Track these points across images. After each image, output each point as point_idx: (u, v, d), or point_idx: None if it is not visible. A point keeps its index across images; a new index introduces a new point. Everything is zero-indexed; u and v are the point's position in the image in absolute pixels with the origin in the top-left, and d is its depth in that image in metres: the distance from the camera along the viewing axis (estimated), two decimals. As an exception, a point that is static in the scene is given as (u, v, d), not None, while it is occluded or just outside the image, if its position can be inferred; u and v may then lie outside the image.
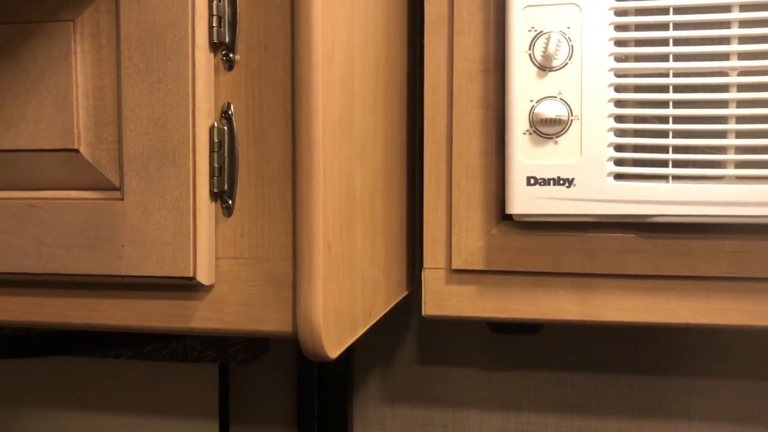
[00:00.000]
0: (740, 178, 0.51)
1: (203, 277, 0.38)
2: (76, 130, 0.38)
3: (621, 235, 0.55)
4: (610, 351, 0.80)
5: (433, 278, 0.59)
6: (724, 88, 0.50)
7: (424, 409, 0.85)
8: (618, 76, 0.52)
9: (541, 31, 0.52)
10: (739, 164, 0.51)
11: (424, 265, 0.59)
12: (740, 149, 0.51)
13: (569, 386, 0.81)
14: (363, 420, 0.87)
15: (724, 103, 0.51)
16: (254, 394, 0.89)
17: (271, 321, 0.39)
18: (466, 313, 0.58)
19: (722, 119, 0.51)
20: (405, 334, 0.85)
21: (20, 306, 0.42)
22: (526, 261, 0.56)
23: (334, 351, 0.39)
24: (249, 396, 0.89)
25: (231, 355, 0.83)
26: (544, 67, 0.53)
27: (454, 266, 0.58)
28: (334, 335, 0.39)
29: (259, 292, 0.39)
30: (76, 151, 0.39)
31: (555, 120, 0.52)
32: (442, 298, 0.58)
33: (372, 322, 0.49)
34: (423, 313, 0.59)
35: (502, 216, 0.57)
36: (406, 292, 0.63)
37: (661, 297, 0.55)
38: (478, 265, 0.57)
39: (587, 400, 0.81)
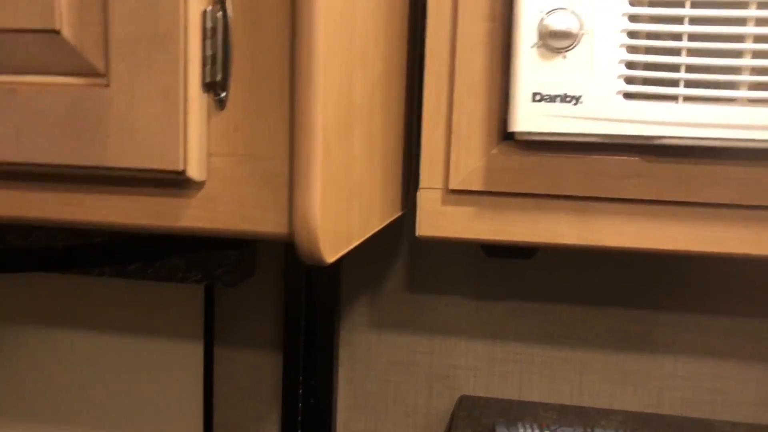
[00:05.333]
0: (753, 101, 0.49)
1: (194, 171, 0.36)
2: (57, 10, 0.36)
3: (625, 158, 0.53)
4: (600, 283, 0.79)
5: (428, 198, 0.57)
6: (743, 4, 0.48)
7: (410, 335, 0.84)
8: (634, -12, 0.49)
9: (556, -63, 0.49)
10: (753, 86, 0.49)
11: (420, 185, 0.57)
12: (756, 70, 0.49)
13: (557, 317, 0.81)
14: (349, 345, 0.86)
15: (742, 21, 0.48)
16: (240, 317, 0.88)
17: (265, 222, 0.37)
18: (461, 235, 0.57)
19: (739, 38, 0.48)
20: (394, 262, 0.84)
21: (-2, 200, 0.39)
22: (525, 182, 0.55)
23: (330, 255, 0.38)
24: (234, 319, 0.88)
25: (217, 276, 0.82)
26: (557, -24, 0.50)
27: (452, 186, 0.56)
28: (330, 239, 0.38)
29: (254, 191, 0.37)
30: (57, 32, 0.36)
31: (565, 33, 0.50)
32: (437, 219, 0.57)
33: (367, 235, 0.48)
34: (417, 234, 0.58)
35: (503, 135, 0.55)
36: (399, 213, 0.62)
37: (661, 223, 0.54)
38: (477, 186, 0.55)
39: (574, 332, 0.80)
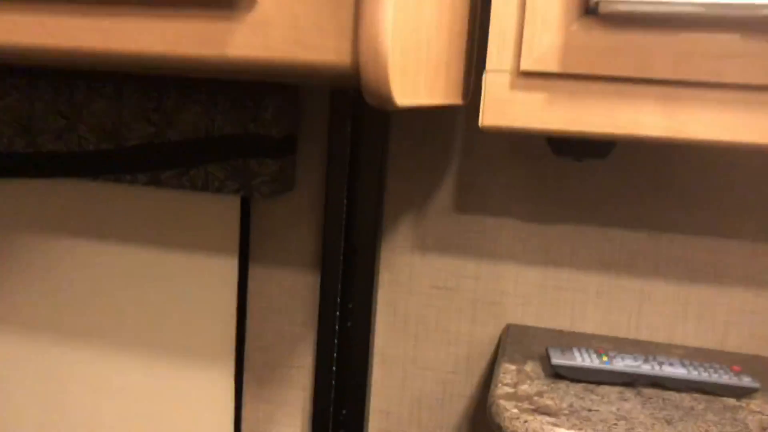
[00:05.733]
0: None
1: (245, -15, 0.31)
2: None
3: (724, 35, 0.47)
4: (669, 205, 0.73)
5: (496, 83, 0.51)
6: None
7: (456, 258, 0.79)
8: None
9: None
10: None
11: (487, 68, 0.51)
12: None
13: (617, 243, 0.75)
14: (390, 267, 0.82)
15: None
16: (277, 233, 0.83)
17: (326, 49, 0.32)
18: (531, 125, 0.51)
19: None
20: (441, 178, 0.78)
21: (21, 26, 0.35)
22: (608, 63, 0.48)
23: (400, 96, 0.32)
24: (271, 235, 0.84)
25: (255, 187, 0.77)
26: None
27: (523, 68, 0.50)
28: (400, 75, 0.32)
29: (312, 13, 0.32)
30: None
31: None
32: (504, 106, 0.51)
33: (434, 101, 0.42)
34: (480, 124, 0.52)
35: (585, 9, 0.49)
36: (460, 101, 0.56)
37: (763, 113, 0.47)
38: (552, 67, 0.49)
39: (636, 260, 0.75)
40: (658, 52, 0.48)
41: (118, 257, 0.86)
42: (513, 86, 0.51)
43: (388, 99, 0.32)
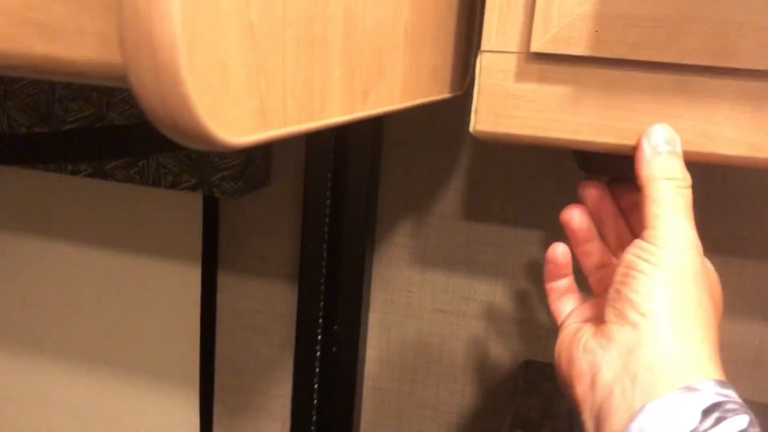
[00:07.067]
0: None
1: None
2: None
3: None
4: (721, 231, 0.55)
5: (495, 69, 0.34)
6: None
7: (464, 276, 0.63)
8: None
9: None
10: None
11: (482, 47, 0.35)
12: None
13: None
14: (384, 283, 0.66)
15: None
16: (250, 237, 0.69)
17: (78, 36, 0.16)
18: (546, 133, 0.34)
19: None
20: (448, 175, 0.62)
21: None
22: (666, 43, 0.31)
23: (226, 130, 0.16)
24: (243, 239, 0.69)
25: (216, 183, 0.63)
26: None
27: (535, 48, 0.33)
28: (220, 89, 0.16)
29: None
30: None
31: None
32: (507, 104, 0.35)
33: (353, 114, 0.26)
34: (471, 128, 0.36)
35: (633, -43, 0.31)
36: (448, 94, 0.39)
37: None
38: (579, 47, 0.32)
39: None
40: (746, 25, 0.30)
41: (63, 259, 0.73)
42: (520, 74, 0.34)
43: (195, 134, 0.16)
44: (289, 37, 0.19)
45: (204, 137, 0.16)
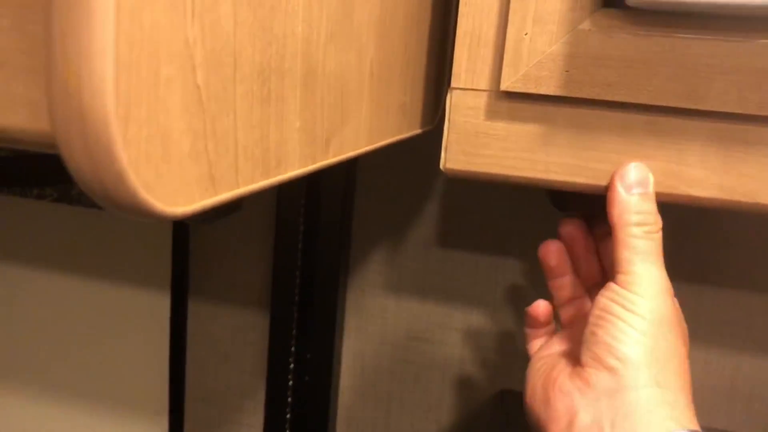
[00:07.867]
0: None
1: None
2: None
3: (833, 44, 0.29)
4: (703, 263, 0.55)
5: (465, 106, 0.34)
6: None
7: (440, 304, 0.62)
8: None
9: None
10: None
11: (452, 84, 0.34)
12: None
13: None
14: (357, 310, 0.65)
15: None
16: (221, 263, 0.67)
17: (11, 101, 0.15)
18: (517, 172, 0.34)
19: None
20: (424, 200, 0.61)
21: None
22: (637, 82, 0.31)
23: (169, 200, 0.15)
24: (214, 265, 0.68)
25: (186, 209, 0.61)
26: None
27: (506, 86, 0.32)
28: (161, 159, 0.15)
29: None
30: None
31: None
32: (477, 142, 0.34)
33: (314, 165, 0.25)
34: (442, 166, 0.35)
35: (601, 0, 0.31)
36: (418, 130, 0.39)
37: None
38: (550, 87, 0.32)
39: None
40: (716, 68, 0.30)
41: (29, 286, 0.71)
42: (490, 113, 0.33)
43: (132, 209, 0.15)
44: (241, 96, 0.18)
45: (143, 211, 0.15)
